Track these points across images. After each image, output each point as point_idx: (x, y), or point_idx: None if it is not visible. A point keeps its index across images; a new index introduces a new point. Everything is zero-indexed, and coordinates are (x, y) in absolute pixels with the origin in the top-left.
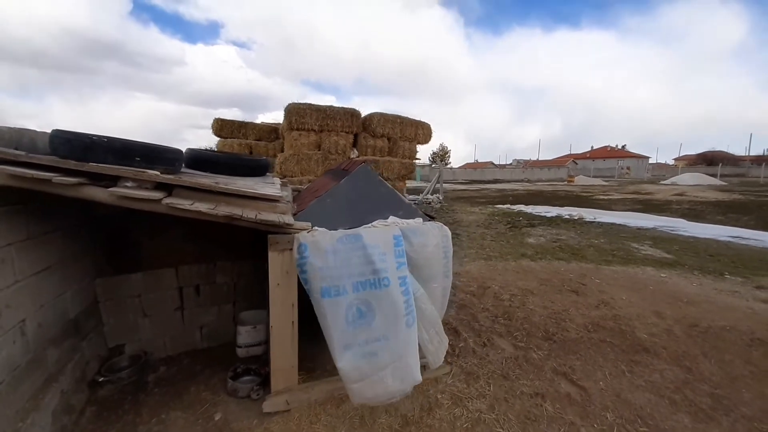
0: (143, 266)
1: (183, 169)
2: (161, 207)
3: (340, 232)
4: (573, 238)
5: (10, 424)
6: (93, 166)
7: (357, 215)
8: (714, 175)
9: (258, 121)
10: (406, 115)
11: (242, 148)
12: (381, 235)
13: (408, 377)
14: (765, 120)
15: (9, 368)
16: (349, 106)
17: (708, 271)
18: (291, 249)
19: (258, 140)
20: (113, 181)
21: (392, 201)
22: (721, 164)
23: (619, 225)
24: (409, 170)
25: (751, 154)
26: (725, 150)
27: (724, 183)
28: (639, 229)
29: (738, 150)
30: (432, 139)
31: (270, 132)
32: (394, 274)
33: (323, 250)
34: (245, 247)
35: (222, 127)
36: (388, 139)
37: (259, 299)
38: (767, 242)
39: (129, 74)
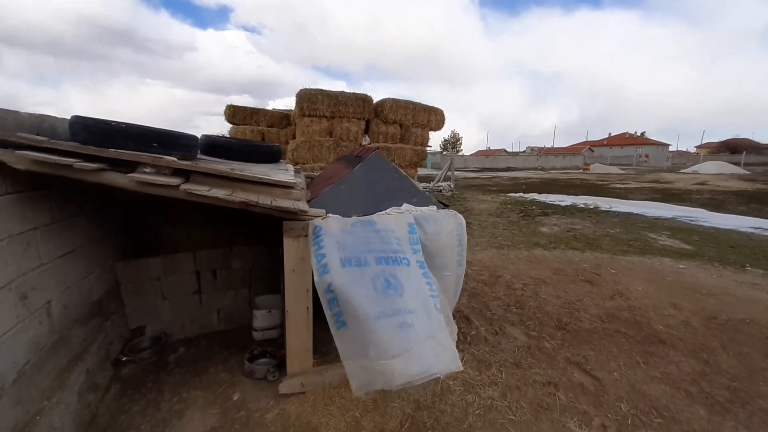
0: (162, 251)
1: (198, 156)
2: (179, 193)
3: (354, 218)
4: (588, 227)
5: (36, 403)
6: (112, 152)
7: (371, 202)
8: (738, 164)
9: (269, 107)
10: (418, 101)
11: (254, 135)
12: (395, 221)
13: (449, 360)
14: None
15: (35, 348)
16: (361, 92)
17: (728, 262)
18: (306, 235)
19: (270, 127)
20: (132, 166)
21: (406, 188)
22: (745, 152)
23: (636, 214)
24: (421, 157)
25: None
26: (750, 138)
27: (747, 172)
28: (657, 218)
29: (764, 138)
30: (444, 125)
31: (282, 119)
32: (413, 258)
33: (339, 230)
34: (260, 233)
35: (234, 114)
36: (400, 125)
37: (274, 284)
38: None
39: (142, 61)
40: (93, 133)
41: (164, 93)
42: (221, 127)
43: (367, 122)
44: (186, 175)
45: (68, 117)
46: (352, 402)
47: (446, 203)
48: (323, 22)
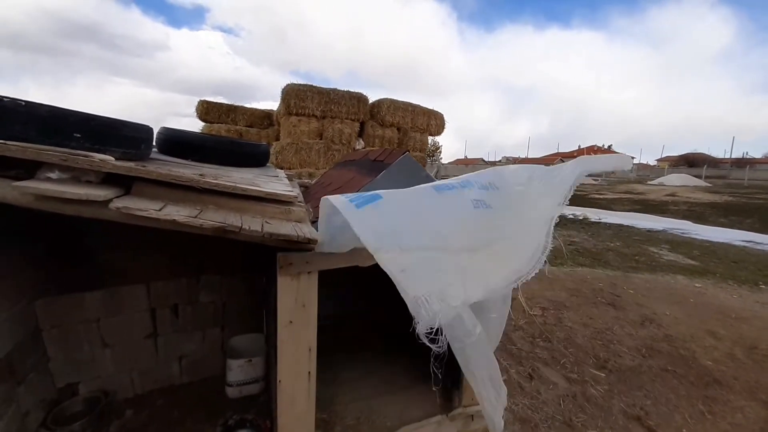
0: (103, 283)
1: (154, 155)
2: (109, 213)
3: None
4: (587, 240)
5: None
6: None
7: None
8: (699, 176)
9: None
10: (417, 103)
11: (231, 135)
12: None
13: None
14: (744, 123)
15: None
16: (355, 90)
17: (741, 280)
18: (310, 272)
19: (249, 126)
20: (33, 168)
21: None
22: (706, 166)
23: (628, 226)
24: (421, 164)
25: (732, 156)
26: (706, 152)
27: (709, 184)
28: (649, 231)
29: (717, 153)
30: (444, 129)
31: (263, 118)
32: None
33: None
34: (238, 257)
35: (208, 111)
36: (398, 128)
37: (255, 321)
38: None
39: (108, 58)
40: None
41: (132, 92)
42: (193, 128)
43: (362, 124)
44: (126, 183)
45: None
46: None
47: None
48: (303, 26)
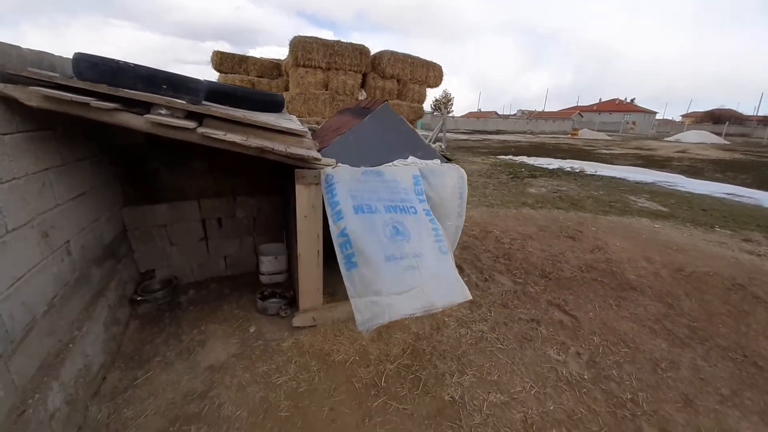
0: (164, 198)
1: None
2: (194, 136)
3: (363, 168)
4: (573, 189)
5: (66, 333)
6: (127, 92)
7: (378, 154)
8: (719, 134)
9: (253, 54)
10: (416, 55)
11: (243, 85)
12: (402, 173)
13: (454, 294)
14: None
15: (60, 283)
16: (358, 43)
17: (699, 223)
18: (317, 183)
19: (260, 77)
20: (145, 108)
21: (412, 140)
22: (727, 123)
23: (619, 179)
24: (419, 115)
25: (759, 114)
26: (734, 109)
27: (727, 142)
28: (638, 183)
29: (748, 110)
30: (442, 82)
31: (272, 68)
32: (419, 206)
33: (350, 179)
34: (263, 183)
35: (222, 61)
36: (398, 80)
37: (277, 233)
38: (761, 200)
39: None
40: (101, 72)
41: (132, 36)
42: (197, 75)
43: (364, 76)
44: (198, 118)
45: (72, 55)
46: (359, 334)
47: (449, 158)
48: None
